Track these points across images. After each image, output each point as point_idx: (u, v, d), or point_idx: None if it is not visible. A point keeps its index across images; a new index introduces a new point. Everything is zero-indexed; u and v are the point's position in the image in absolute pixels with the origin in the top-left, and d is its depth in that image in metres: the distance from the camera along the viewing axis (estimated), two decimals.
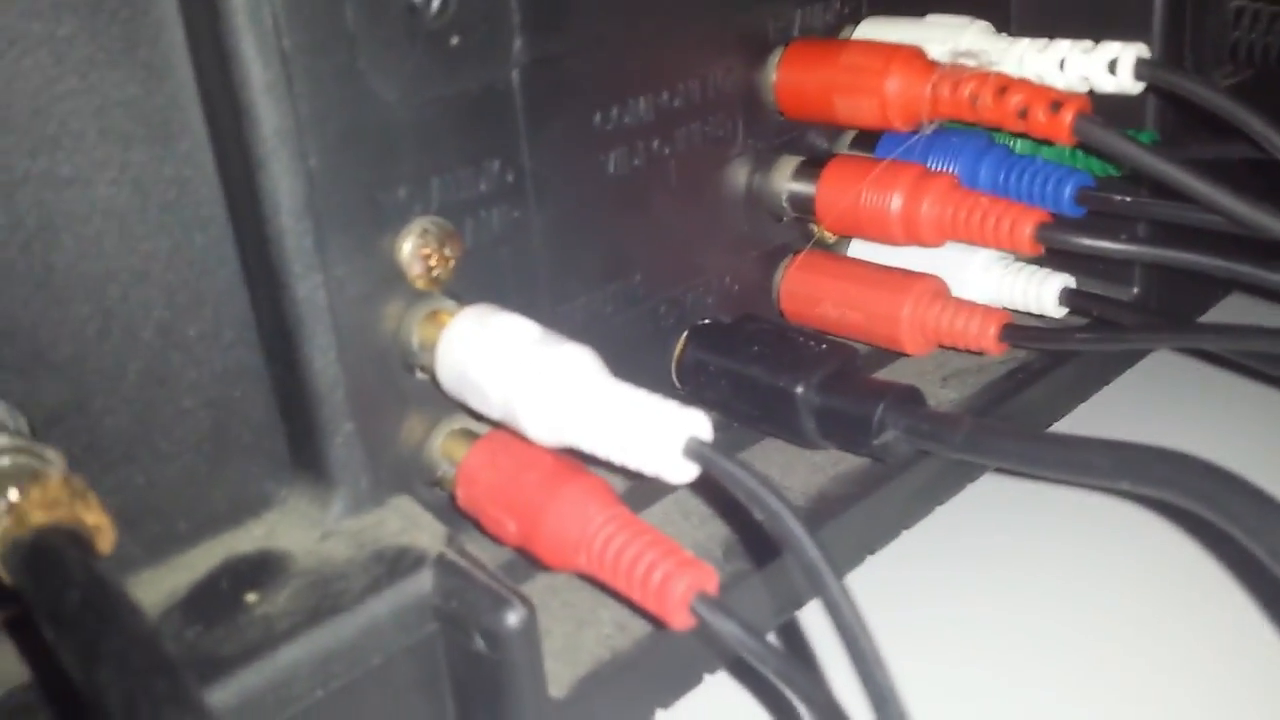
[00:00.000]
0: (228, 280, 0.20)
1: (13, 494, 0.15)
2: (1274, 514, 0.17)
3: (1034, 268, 0.28)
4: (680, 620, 0.18)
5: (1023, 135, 0.25)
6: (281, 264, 0.19)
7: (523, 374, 0.19)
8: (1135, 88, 0.25)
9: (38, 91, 0.18)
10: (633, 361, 0.26)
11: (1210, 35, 0.34)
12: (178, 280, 0.20)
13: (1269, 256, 0.24)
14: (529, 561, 0.21)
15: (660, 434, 0.19)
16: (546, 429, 0.20)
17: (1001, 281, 0.28)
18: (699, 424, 0.19)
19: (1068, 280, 0.28)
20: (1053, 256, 0.27)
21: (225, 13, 0.18)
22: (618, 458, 0.19)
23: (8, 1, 0.17)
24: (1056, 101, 0.24)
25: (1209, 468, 0.19)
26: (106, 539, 0.16)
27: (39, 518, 0.15)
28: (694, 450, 0.18)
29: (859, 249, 0.30)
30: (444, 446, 0.22)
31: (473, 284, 0.22)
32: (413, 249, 0.21)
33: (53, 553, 0.15)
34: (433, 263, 0.21)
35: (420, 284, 0.21)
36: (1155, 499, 0.20)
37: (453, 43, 0.21)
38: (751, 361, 0.26)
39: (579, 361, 0.20)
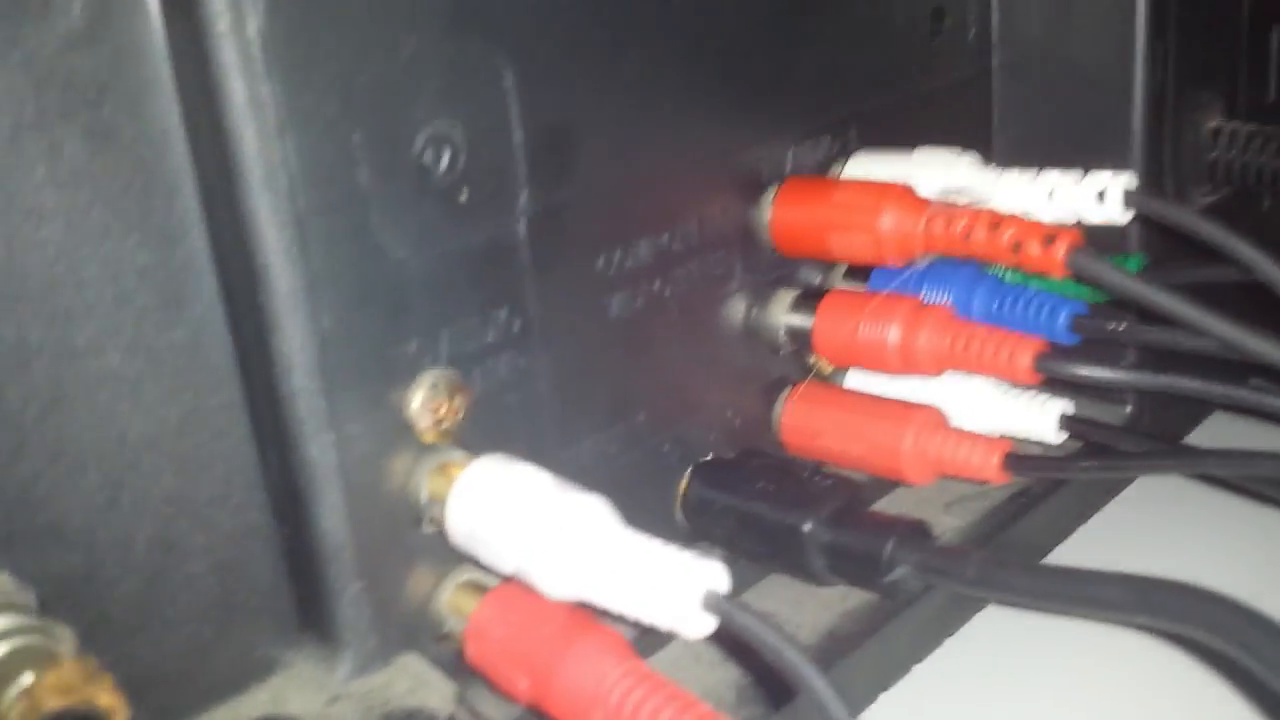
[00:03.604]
0: (237, 442, 0.20)
1: (27, 678, 0.15)
2: None
3: (1031, 393, 0.29)
4: None
5: (1016, 268, 0.26)
6: (293, 424, 0.19)
7: (535, 528, 0.19)
8: (1124, 217, 0.26)
9: (53, 262, 0.18)
10: (638, 500, 0.26)
11: (1188, 155, 0.35)
12: (187, 445, 0.20)
13: (1259, 374, 0.25)
14: None
15: (678, 588, 0.18)
16: (561, 584, 0.19)
17: (1000, 408, 0.29)
18: (716, 576, 0.19)
19: (1066, 406, 0.28)
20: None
21: (241, 177, 0.18)
22: (633, 612, 0.19)
23: (26, 173, 0.18)
24: (1049, 236, 0.24)
25: (1227, 602, 0.19)
26: None
27: (53, 703, 0.15)
28: (713, 603, 0.18)
29: (855, 377, 0.30)
30: (452, 601, 0.22)
31: (481, 432, 0.22)
32: (422, 403, 0.21)
33: None
34: (441, 415, 0.21)
35: (429, 437, 0.21)
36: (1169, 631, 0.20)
37: (462, 198, 0.21)
38: (757, 498, 0.26)
39: (592, 512, 0.19)
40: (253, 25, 0.18)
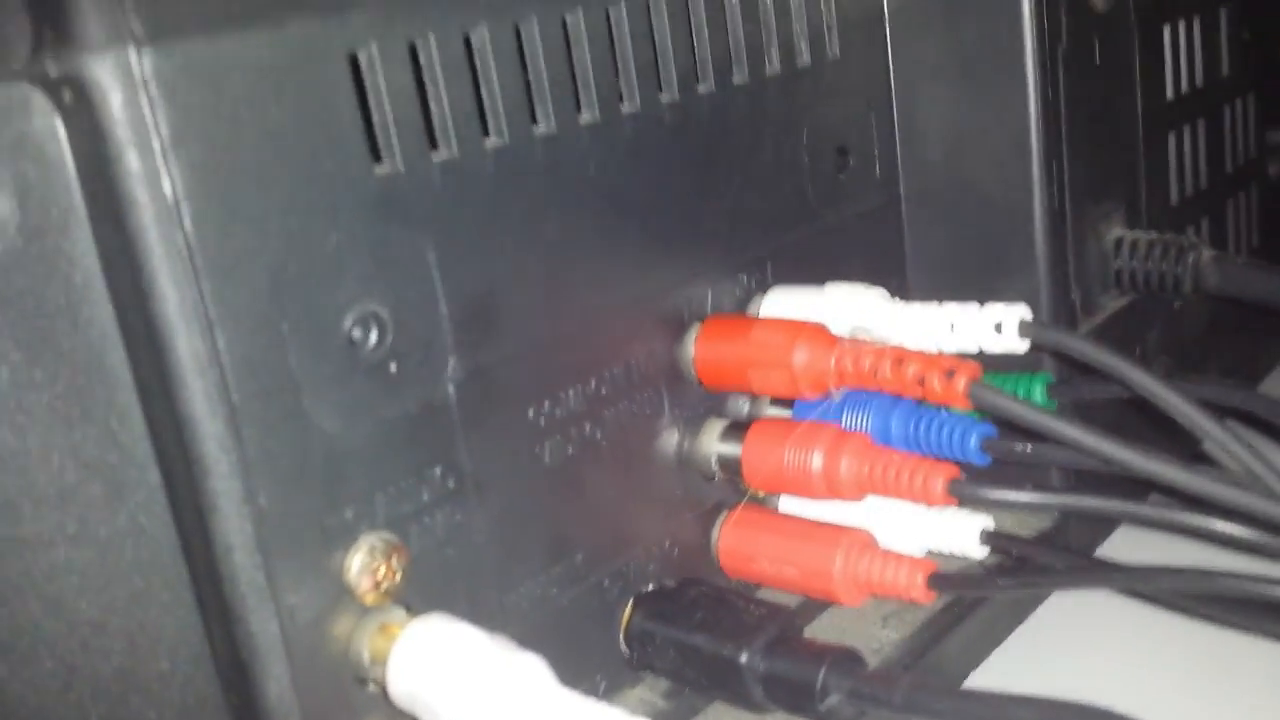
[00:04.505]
0: (184, 618, 0.21)
1: None
2: None
3: (954, 510, 0.30)
4: None
5: (923, 401, 0.27)
6: (235, 600, 0.20)
7: (471, 690, 0.20)
8: (1021, 347, 0.28)
9: (1, 465, 0.19)
10: (581, 636, 0.27)
11: (1094, 266, 0.37)
12: (135, 624, 0.20)
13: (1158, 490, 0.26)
14: None
15: None
16: None
17: (925, 525, 0.30)
18: None
19: (986, 522, 0.29)
20: None
21: (176, 372, 0.19)
22: None
23: None
24: (950, 370, 0.26)
25: None
26: None
27: None
28: None
29: (790, 499, 0.32)
30: None
31: (421, 587, 0.23)
32: (361, 567, 0.22)
33: None
34: (380, 577, 0.22)
35: (369, 599, 0.22)
36: None
37: (391, 370, 0.22)
38: (695, 630, 0.27)
39: (528, 673, 0.20)
40: (181, 234, 0.19)
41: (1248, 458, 0.25)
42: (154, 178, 0.19)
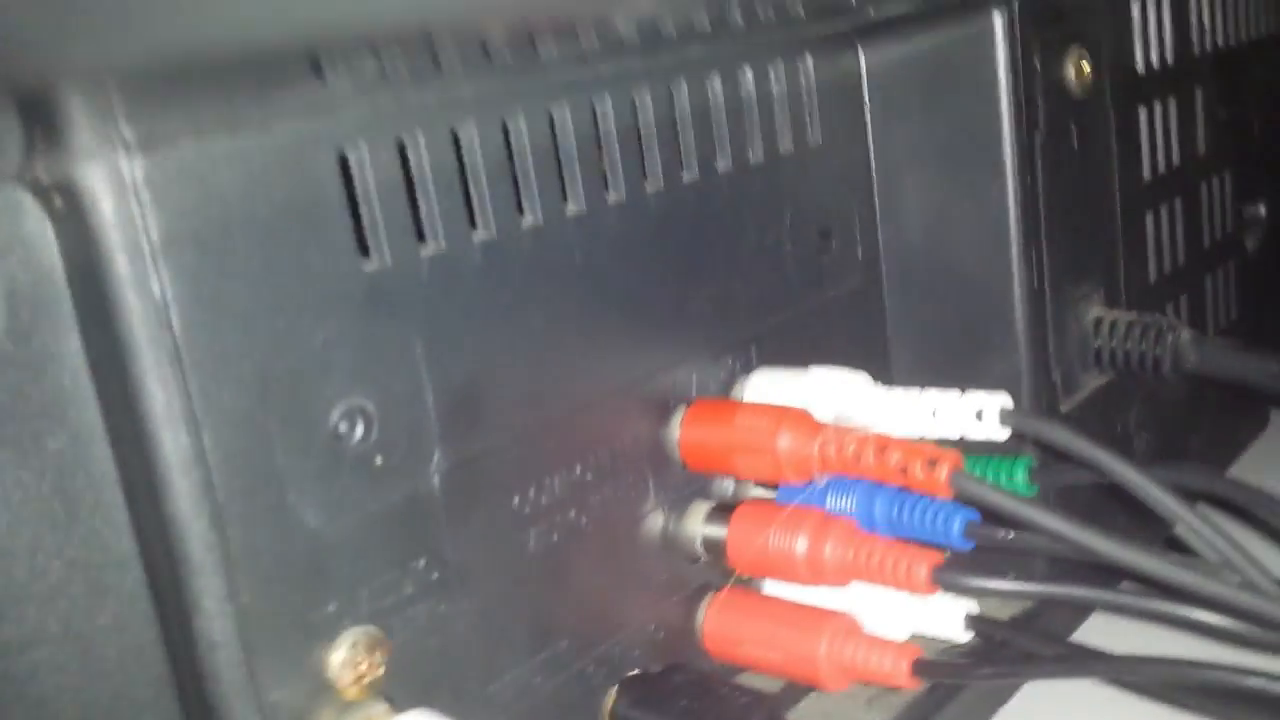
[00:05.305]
0: (165, 714, 0.21)
1: None
2: None
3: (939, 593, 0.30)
4: None
5: (906, 489, 0.27)
6: (217, 698, 0.20)
7: None
8: (1002, 434, 0.28)
9: None
10: None
11: (1074, 346, 0.37)
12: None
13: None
14: None
15: None
16: None
17: (909, 609, 0.30)
18: None
19: (970, 606, 0.29)
20: None
21: (160, 471, 0.20)
22: None
23: None
24: (932, 459, 0.26)
25: None
26: None
27: None
28: None
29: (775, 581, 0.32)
30: None
31: (403, 680, 0.23)
32: (343, 662, 0.22)
33: None
34: (362, 671, 0.22)
35: (351, 694, 0.22)
36: None
37: (377, 463, 0.23)
38: (679, 717, 0.27)
39: None
40: (170, 335, 0.19)
41: (1220, 544, 0.25)
42: (143, 280, 0.19)
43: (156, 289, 0.19)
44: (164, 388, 0.19)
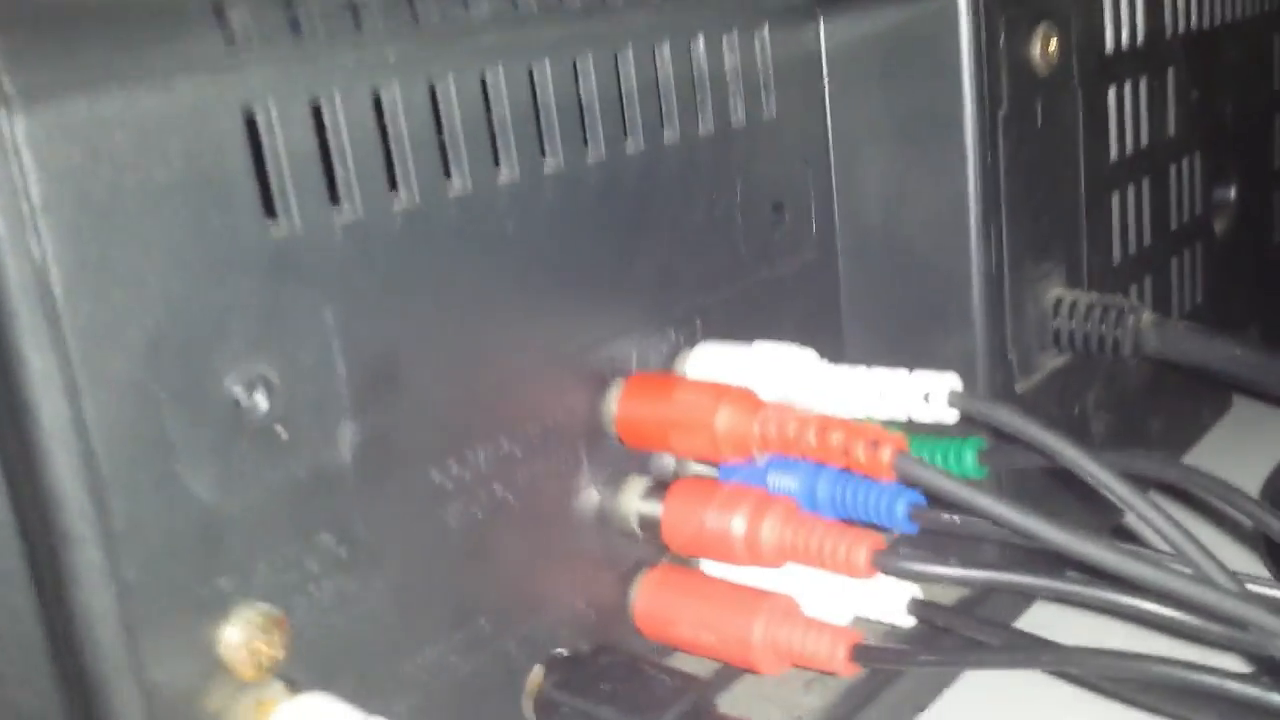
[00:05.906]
0: (44, 695, 0.20)
1: None
2: None
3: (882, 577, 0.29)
4: None
5: (848, 470, 0.27)
6: (96, 676, 0.19)
7: None
8: (950, 417, 0.27)
9: None
10: (487, 703, 0.26)
11: (1032, 326, 0.36)
12: None
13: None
14: None
15: None
16: None
17: (851, 592, 0.29)
18: None
19: (914, 590, 0.29)
20: None
21: (38, 441, 0.19)
22: None
23: None
24: (875, 441, 0.25)
25: None
26: None
27: None
28: None
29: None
30: None
31: (306, 660, 0.22)
32: (236, 640, 0.21)
33: None
34: (258, 650, 0.21)
35: (246, 674, 0.21)
36: None
37: (279, 434, 0.22)
38: (604, 701, 0.26)
39: None
40: (50, 297, 0.18)
41: (1171, 532, 0.24)
42: (19, 241, 0.18)
43: (36, 250, 0.18)
44: (41, 353, 0.18)
